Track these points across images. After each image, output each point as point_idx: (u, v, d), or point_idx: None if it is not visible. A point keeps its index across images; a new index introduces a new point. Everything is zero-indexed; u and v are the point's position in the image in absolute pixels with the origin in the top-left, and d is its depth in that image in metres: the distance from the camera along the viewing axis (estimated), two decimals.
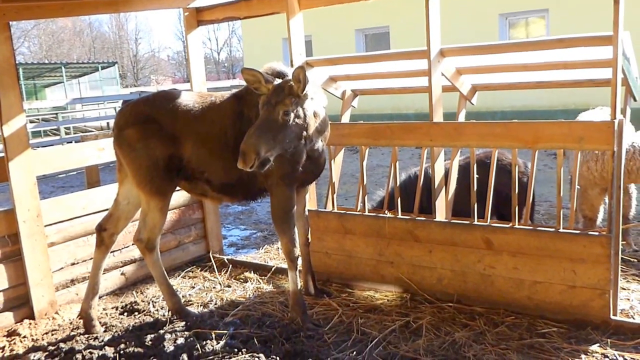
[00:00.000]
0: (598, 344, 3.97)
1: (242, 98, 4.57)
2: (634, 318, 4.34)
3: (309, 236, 5.09)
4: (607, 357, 3.83)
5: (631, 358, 3.79)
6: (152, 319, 4.79)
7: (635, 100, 4.93)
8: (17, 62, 4.88)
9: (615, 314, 4.18)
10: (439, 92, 4.85)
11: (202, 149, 4.54)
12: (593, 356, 3.85)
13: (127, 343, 4.25)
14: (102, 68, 32.91)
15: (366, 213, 5.28)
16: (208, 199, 4.94)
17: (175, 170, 4.56)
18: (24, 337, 4.66)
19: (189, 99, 4.63)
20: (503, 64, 5.07)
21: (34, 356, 4.26)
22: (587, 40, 4.28)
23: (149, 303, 5.22)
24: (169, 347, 4.18)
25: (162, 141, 4.48)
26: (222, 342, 4.17)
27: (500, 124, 4.60)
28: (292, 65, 5.33)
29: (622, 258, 4.54)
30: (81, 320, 4.76)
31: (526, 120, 4.52)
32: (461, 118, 5.68)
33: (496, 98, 15.41)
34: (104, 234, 4.75)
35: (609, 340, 4.01)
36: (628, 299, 4.66)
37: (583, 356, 3.85)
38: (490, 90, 5.84)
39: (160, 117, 4.53)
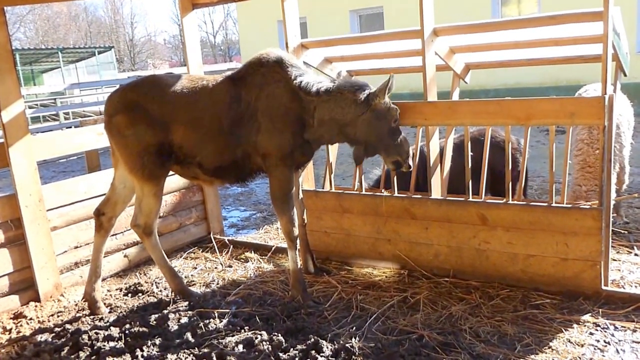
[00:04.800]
0: (590, 314, 4.06)
1: (241, 80, 4.56)
2: (624, 288, 4.44)
3: (305, 217, 5.18)
4: (599, 326, 3.91)
5: (622, 326, 3.88)
6: (156, 300, 4.86)
7: (625, 75, 4.96)
8: (13, 47, 4.89)
9: (606, 285, 4.27)
10: (432, 72, 4.90)
11: (194, 134, 4.53)
12: (585, 325, 3.93)
13: (132, 323, 4.32)
14: (99, 52, 32.66)
15: (363, 192, 5.34)
16: (200, 181, 4.98)
17: (166, 155, 4.56)
18: (30, 319, 4.73)
19: (177, 83, 4.59)
20: (496, 42, 5.09)
21: (41, 337, 4.33)
22: (578, 16, 4.31)
23: (152, 284, 5.30)
24: (173, 326, 4.27)
25: (151, 127, 4.47)
26: (224, 321, 4.25)
27: (493, 101, 4.64)
28: (287, 47, 5.38)
29: (612, 230, 4.62)
30: (86, 303, 4.84)
31: (519, 98, 4.57)
32: (455, 96, 5.72)
33: (489, 76, 15.50)
34: (103, 218, 4.80)
35: (600, 310, 4.10)
36: (619, 270, 4.75)
37: (575, 326, 3.93)
38: (483, 69, 5.88)
39: (147, 103, 4.51)
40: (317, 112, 4.46)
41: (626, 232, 5.56)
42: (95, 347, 4.01)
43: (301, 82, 4.45)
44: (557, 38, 4.76)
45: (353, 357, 3.65)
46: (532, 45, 4.99)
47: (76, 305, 4.99)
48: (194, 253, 6.21)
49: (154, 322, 4.34)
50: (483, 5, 16.61)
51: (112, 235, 5.34)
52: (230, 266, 5.70)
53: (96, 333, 4.19)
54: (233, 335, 4.01)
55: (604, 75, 4.07)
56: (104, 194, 4.94)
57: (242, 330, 4.08)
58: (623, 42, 4.65)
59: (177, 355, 3.82)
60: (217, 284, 5.25)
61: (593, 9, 4.18)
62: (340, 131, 4.51)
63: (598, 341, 3.75)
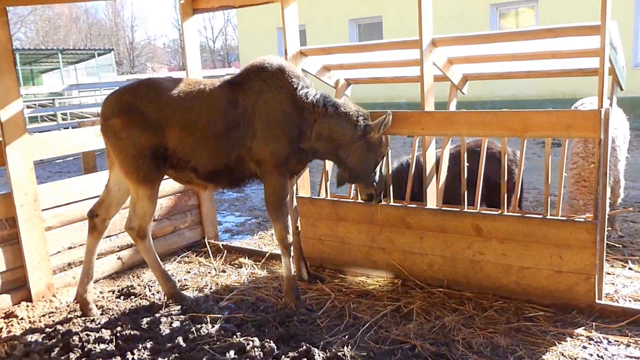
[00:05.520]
0: (583, 327, 4.05)
1: (240, 85, 4.56)
2: (618, 302, 4.43)
3: (298, 224, 5.19)
4: (592, 339, 3.90)
5: (615, 340, 3.87)
6: (148, 303, 4.84)
7: (621, 89, 4.98)
8: (13, 47, 4.90)
9: (600, 298, 4.27)
10: (430, 82, 4.91)
11: (189, 138, 4.52)
12: (578, 339, 3.92)
13: (124, 326, 4.31)
14: (99, 55, 32.66)
15: (359, 200, 5.34)
16: (194, 186, 4.97)
17: (161, 159, 4.55)
18: (22, 319, 4.71)
19: (174, 87, 4.59)
20: (493, 54, 5.11)
21: (31, 338, 4.31)
22: (575, 30, 4.34)
23: (145, 287, 5.28)
24: (165, 330, 4.25)
25: (146, 130, 4.47)
26: (217, 326, 4.24)
27: (490, 112, 4.64)
28: (285, 54, 5.39)
29: (607, 244, 4.62)
30: (78, 304, 4.82)
31: (515, 110, 4.59)
32: (452, 107, 5.73)
33: (486, 88, 15.57)
34: (96, 219, 4.79)
35: (594, 323, 4.09)
36: (613, 284, 4.75)
37: (569, 339, 3.92)
38: (481, 80, 5.90)
39: (144, 106, 4.50)
40: (317, 126, 4.52)
41: (621, 245, 5.58)
42: (86, 349, 3.99)
43: (307, 93, 4.53)
44: (555, 51, 4.79)
45: None
46: (530, 57, 5.02)
47: (68, 306, 4.97)
48: (188, 257, 6.20)
49: (146, 326, 4.33)
50: (481, 17, 16.70)
51: (106, 237, 5.34)
52: (223, 271, 5.69)
53: (87, 335, 4.17)
54: (225, 341, 3.99)
55: (601, 89, 4.08)
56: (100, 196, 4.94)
57: (234, 336, 4.06)
58: (620, 56, 4.68)
59: None
60: (210, 288, 5.23)
61: (590, 22, 4.21)
62: (334, 151, 4.62)
63: (591, 355, 3.74)
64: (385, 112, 4.56)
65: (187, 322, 4.34)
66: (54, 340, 4.21)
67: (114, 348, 4.01)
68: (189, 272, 5.71)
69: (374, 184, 4.77)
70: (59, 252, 5.29)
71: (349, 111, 4.59)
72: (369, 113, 4.72)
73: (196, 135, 4.52)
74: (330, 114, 4.53)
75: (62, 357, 3.96)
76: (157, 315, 4.50)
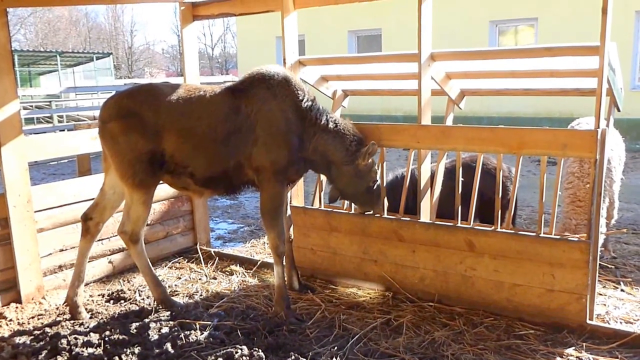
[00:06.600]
0: (573, 348, 4.04)
1: (243, 92, 4.57)
2: (609, 323, 4.42)
3: (291, 233, 5.21)
4: None
5: None
6: (137, 308, 4.81)
7: (619, 110, 5.00)
8: (12, 48, 4.90)
9: (591, 319, 4.26)
10: (428, 96, 4.92)
11: (187, 144, 4.52)
12: (568, 359, 3.91)
13: (112, 330, 4.28)
14: (97, 58, 32.70)
15: (352, 211, 5.34)
16: (190, 192, 4.95)
17: (158, 164, 4.54)
18: (10, 320, 4.69)
19: (173, 93, 4.58)
20: (491, 70, 5.12)
21: (19, 340, 4.27)
22: (574, 49, 4.35)
23: (135, 292, 5.25)
24: (154, 335, 4.22)
25: (144, 135, 4.45)
26: (205, 333, 4.21)
27: (486, 128, 4.66)
28: (284, 63, 5.40)
29: (600, 264, 4.62)
30: (67, 307, 4.79)
31: (512, 127, 4.60)
32: (449, 122, 5.73)
33: (483, 104, 15.60)
34: (90, 222, 4.76)
35: (584, 344, 4.08)
36: (604, 305, 4.74)
37: (558, 359, 3.91)
38: (478, 96, 5.91)
39: (143, 111, 4.48)
40: (315, 140, 4.62)
41: (613, 267, 5.56)
42: (74, 353, 3.96)
43: (311, 105, 4.61)
44: (553, 70, 4.79)
45: None
46: (528, 75, 5.03)
47: (57, 309, 4.94)
48: (179, 263, 6.18)
49: (135, 331, 4.29)
50: (481, 33, 16.78)
51: (98, 240, 5.32)
52: (214, 278, 5.67)
53: (75, 338, 4.14)
54: (213, 349, 3.97)
55: (598, 109, 4.10)
56: (94, 199, 4.92)
57: (223, 344, 4.04)
58: (618, 78, 4.69)
59: None
60: (201, 295, 5.21)
61: (590, 43, 4.22)
62: (327, 166, 4.75)
63: None
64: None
65: (176, 328, 4.31)
66: (42, 343, 4.17)
67: (101, 352, 3.98)
68: (180, 278, 5.69)
69: (371, 203, 4.96)
70: (50, 254, 5.26)
71: (346, 133, 4.71)
72: (363, 137, 4.79)
73: (195, 141, 4.52)
74: (330, 130, 4.65)
75: None
76: (146, 320, 4.47)
